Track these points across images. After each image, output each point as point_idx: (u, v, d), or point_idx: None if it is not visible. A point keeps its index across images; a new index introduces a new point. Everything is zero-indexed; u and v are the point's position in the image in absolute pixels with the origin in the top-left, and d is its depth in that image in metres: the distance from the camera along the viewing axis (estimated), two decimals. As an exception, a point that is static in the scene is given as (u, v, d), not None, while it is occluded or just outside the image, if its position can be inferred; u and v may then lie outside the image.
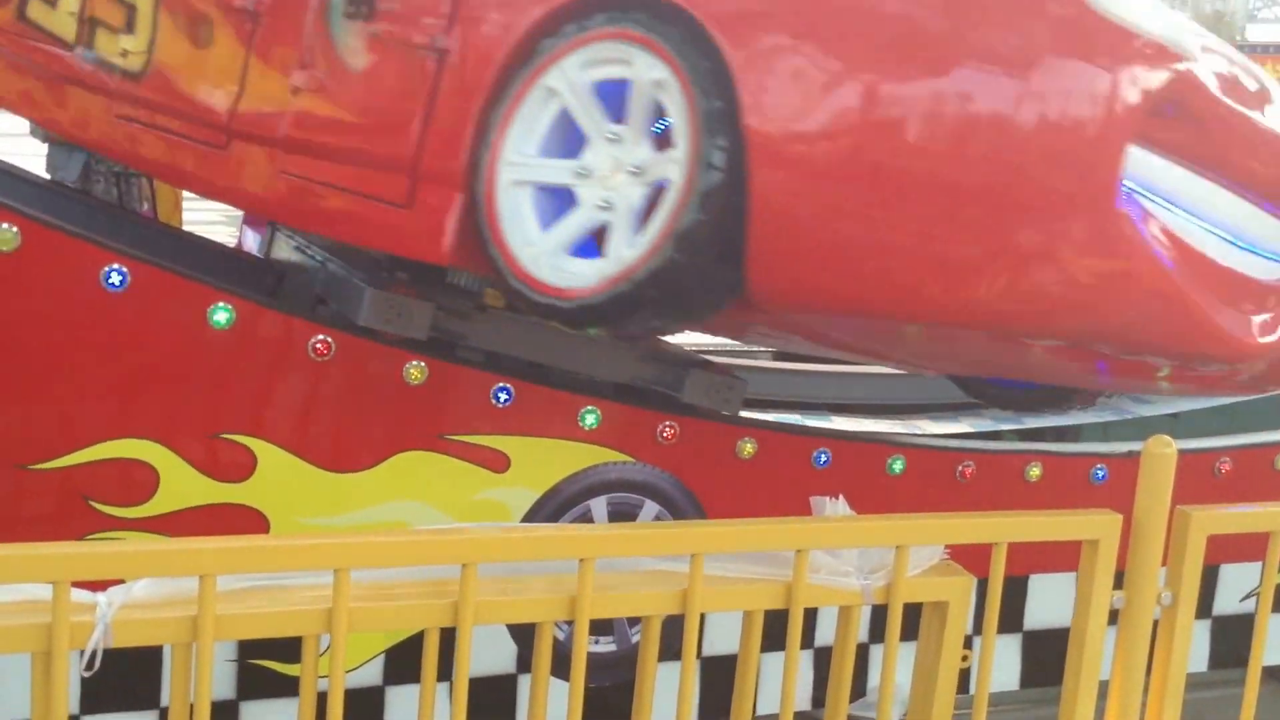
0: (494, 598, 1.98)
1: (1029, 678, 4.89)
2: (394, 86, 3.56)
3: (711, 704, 3.73)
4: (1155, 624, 2.52)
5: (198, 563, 1.78)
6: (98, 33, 4.30)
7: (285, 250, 4.65)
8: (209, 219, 12.55)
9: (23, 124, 5.25)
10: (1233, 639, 5.26)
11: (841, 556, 2.25)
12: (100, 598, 1.81)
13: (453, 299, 3.97)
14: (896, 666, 2.33)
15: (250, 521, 3.73)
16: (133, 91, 4.19)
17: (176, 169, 4.24)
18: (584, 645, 2.04)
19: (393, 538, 1.93)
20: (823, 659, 4.33)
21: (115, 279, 3.46)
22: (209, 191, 4.20)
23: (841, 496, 2.29)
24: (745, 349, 5.53)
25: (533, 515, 4.09)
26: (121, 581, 1.84)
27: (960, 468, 4.63)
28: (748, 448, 4.30)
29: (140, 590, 1.81)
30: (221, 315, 3.57)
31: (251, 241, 9.04)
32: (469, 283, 4.02)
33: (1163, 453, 2.43)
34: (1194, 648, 5.37)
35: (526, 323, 4.02)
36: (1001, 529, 2.35)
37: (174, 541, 1.83)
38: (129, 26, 4.20)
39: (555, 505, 4.12)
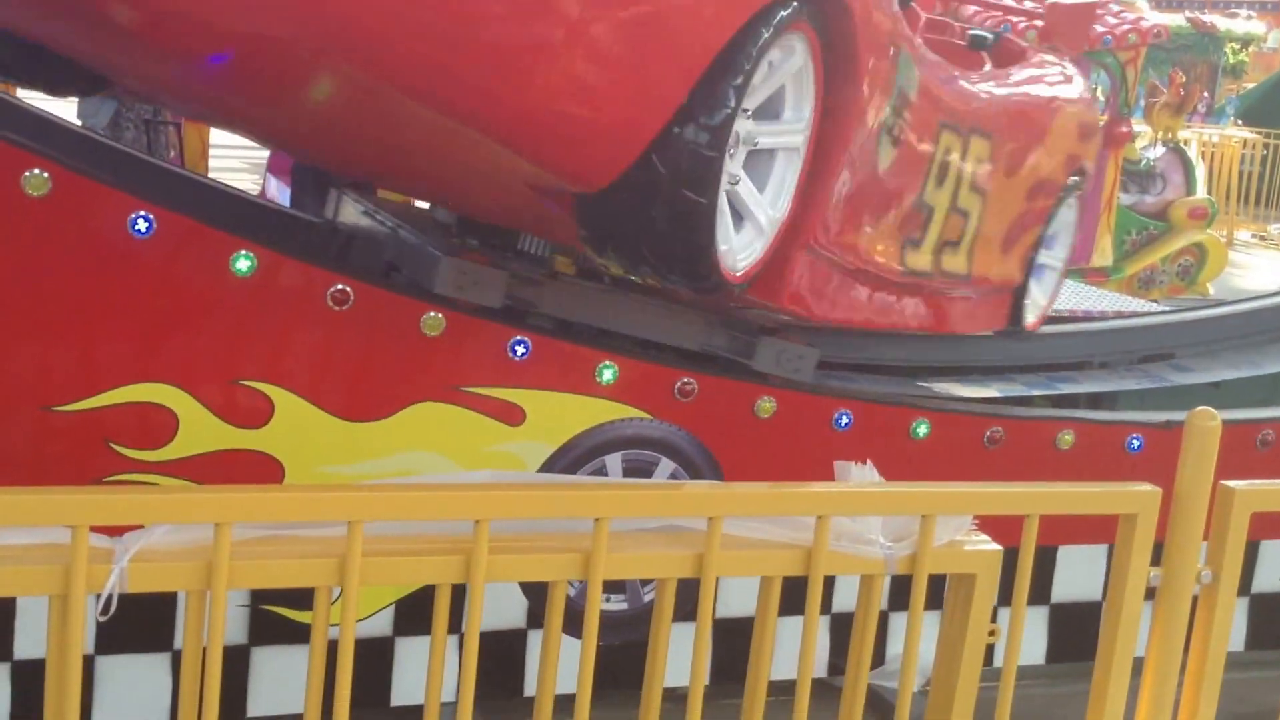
0: (506, 554, 1.91)
1: (1056, 653, 4.81)
2: None
3: (725, 667, 3.67)
4: (1193, 602, 2.43)
5: (214, 510, 1.76)
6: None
7: (353, 215, 4.58)
8: (233, 166, 12.50)
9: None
10: (1273, 618, 5.18)
11: (865, 523, 2.16)
12: (117, 543, 1.78)
13: (525, 266, 3.97)
14: (920, 639, 2.25)
15: (266, 468, 3.68)
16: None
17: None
18: (597, 605, 1.97)
19: (406, 491, 1.87)
20: (840, 625, 4.28)
21: (141, 225, 3.42)
22: None
23: (869, 462, 2.19)
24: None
25: (546, 469, 4.03)
26: (139, 527, 1.81)
27: (989, 433, 4.54)
28: (767, 406, 4.23)
29: (157, 537, 1.78)
30: (243, 263, 3.51)
31: (275, 189, 9.00)
32: (539, 249, 4.06)
33: (1206, 426, 2.33)
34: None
35: (597, 290, 4.09)
36: (1035, 501, 2.26)
37: (191, 489, 1.81)
38: None
39: (569, 460, 4.06)
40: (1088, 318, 6.95)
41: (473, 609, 1.89)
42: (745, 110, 3.09)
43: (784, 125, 3.36)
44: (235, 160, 13.25)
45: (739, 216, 3.31)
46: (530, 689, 3.57)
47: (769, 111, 3.30)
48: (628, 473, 4.14)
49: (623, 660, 3.09)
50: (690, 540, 2.07)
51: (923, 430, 4.46)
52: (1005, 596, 2.31)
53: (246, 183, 11.05)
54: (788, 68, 3.24)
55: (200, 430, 3.54)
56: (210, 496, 1.77)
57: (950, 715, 2.28)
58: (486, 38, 2.69)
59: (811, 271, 3.79)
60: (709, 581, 2.04)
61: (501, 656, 3.88)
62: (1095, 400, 5.48)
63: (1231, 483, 2.38)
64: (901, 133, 3.83)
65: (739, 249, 3.32)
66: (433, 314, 3.75)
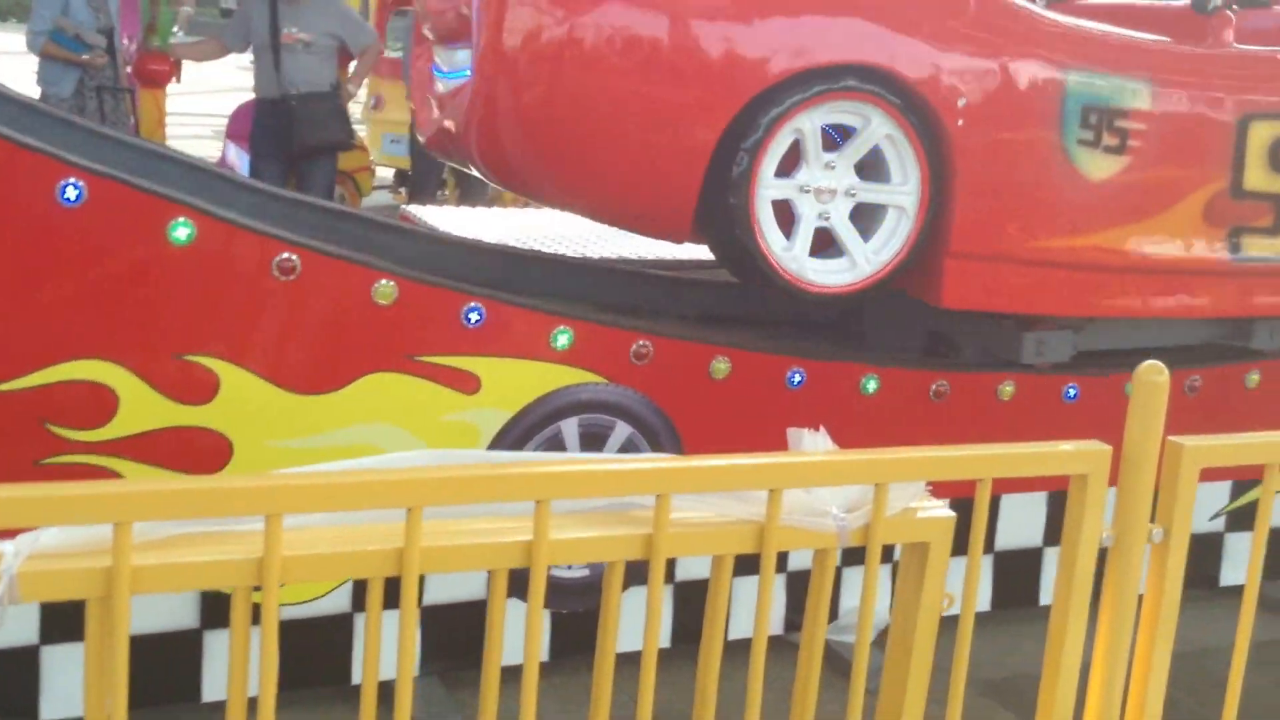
0: (442, 542, 1.74)
1: (1001, 599, 4.70)
2: None
3: (685, 628, 3.53)
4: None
5: (111, 509, 1.53)
6: None
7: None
8: (196, 133, 12.17)
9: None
10: (1199, 558, 5.07)
11: (817, 494, 2.00)
12: (6, 547, 1.56)
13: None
14: (875, 609, 2.10)
15: (213, 444, 3.50)
16: None
17: None
18: (540, 593, 1.81)
19: (326, 478, 1.67)
20: (796, 583, 4.16)
21: (71, 193, 3.20)
22: None
23: (822, 429, 2.04)
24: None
25: (503, 436, 3.87)
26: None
27: (934, 387, 4.41)
28: (721, 367, 4.08)
29: (49, 538, 1.57)
30: (182, 231, 3.30)
31: (233, 155, 8.76)
32: None
33: (1155, 380, 2.18)
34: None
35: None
36: (987, 464, 2.11)
37: (85, 486, 1.55)
38: None
39: (525, 426, 3.90)
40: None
41: (406, 601, 1.72)
42: (830, 166, 3.83)
43: (890, 187, 3.91)
44: (198, 126, 12.95)
45: (839, 249, 3.95)
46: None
47: (879, 174, 3.91)
48: (584, 438, 3.98)
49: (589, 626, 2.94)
50: (637, 519, 1.91)
51: (872, 386, 4.32)
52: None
53: (210, 149, 10.78)
54: (869, 134, 3.82)
55: (142, 408, 3.35)
56: (107, 492, 1.56)
57: (906, 685, 2.14)
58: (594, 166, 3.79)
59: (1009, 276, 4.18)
60: (659, 562, 1.88)
61: (467, 627, 3.72)
62: None
63: (1180, 438, 2.24)
64: (1123, 139, 4.15)
65: (826, 271, 3.94)
66: (385, 282, 3.56)
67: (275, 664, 1.69)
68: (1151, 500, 2.23)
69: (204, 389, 3.43)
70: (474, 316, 3.70)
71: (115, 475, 3.38)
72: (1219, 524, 5.14)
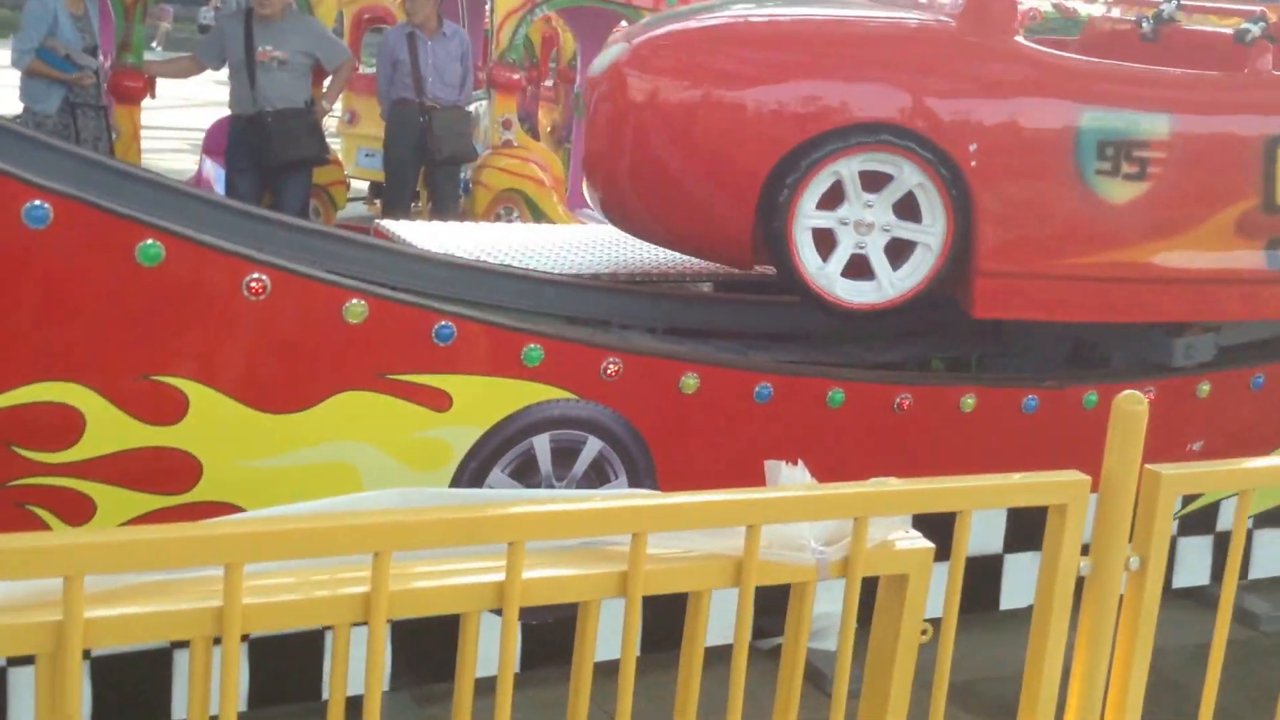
0: (412, 585, 1.61)
1: (963, 605, 4.58)
2: None
3: (656, 638, 3.40)
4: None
5: (61, 562, 1.39)
6: None
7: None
8: (173, 146, 11.93)
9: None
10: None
11: (796, 527, 1.89)
12: None
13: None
14: (853, 642, 1.99)
15: (182, 465, 3.36)
16: None
17: None
18: (514, 635, 1.68)
19: (289, 524, 1.53)
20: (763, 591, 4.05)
21: (37, 215, 3.05)
22: None
23: (801, 462, 1.92)
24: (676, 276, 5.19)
25: (475, 453, 3.75)
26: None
27: (898, 399, 4.32)
28: (691, 382, 3.97)
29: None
30: (150, 252, 3.16)
31: (210, 171, 8.58)
32: None
33: (1134, 410, 2.08)
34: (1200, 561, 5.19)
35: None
36: (967, 496, 2.00)
37: (33, 537, 1.41)
38: None
39: (498, 443, 3.78)
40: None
41: (373, 649, 1.59)
42: (869, 205, 4.21)
43: (921, 227, 4.24)
44: (175, 141, 12.74)
45: (871, 274, 4.29)
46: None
47: (913, 214, 4.25)
48: (556, 454, 3.87)
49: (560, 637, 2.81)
50: (613, 555, 1.79)
51: (839, 398, 4.22)
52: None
53: (187, 163, 10.58)
54: (901, 182, 4.19)
55: (109, 429, 3.20)
56: (56, 544, 1.41)
57: (884, 716, 2.02)
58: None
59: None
60: (635, 600, 1.76)
61: (434, 644, 3.59)
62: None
63: (1158, 466, 2.13)
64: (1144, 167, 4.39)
65: (855, 290, 4.28)
66: (355, 301, 3.43)
67: (236, 709, 1.56)
68: (1129, 528, 2.12)
69: (173, 409, 3.29)
70: (445, 334, 3.57)
71: (83, 497, 3.25)
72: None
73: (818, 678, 3.63)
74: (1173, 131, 4.38)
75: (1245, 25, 4.63)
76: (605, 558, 1.79)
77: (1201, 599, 5.03)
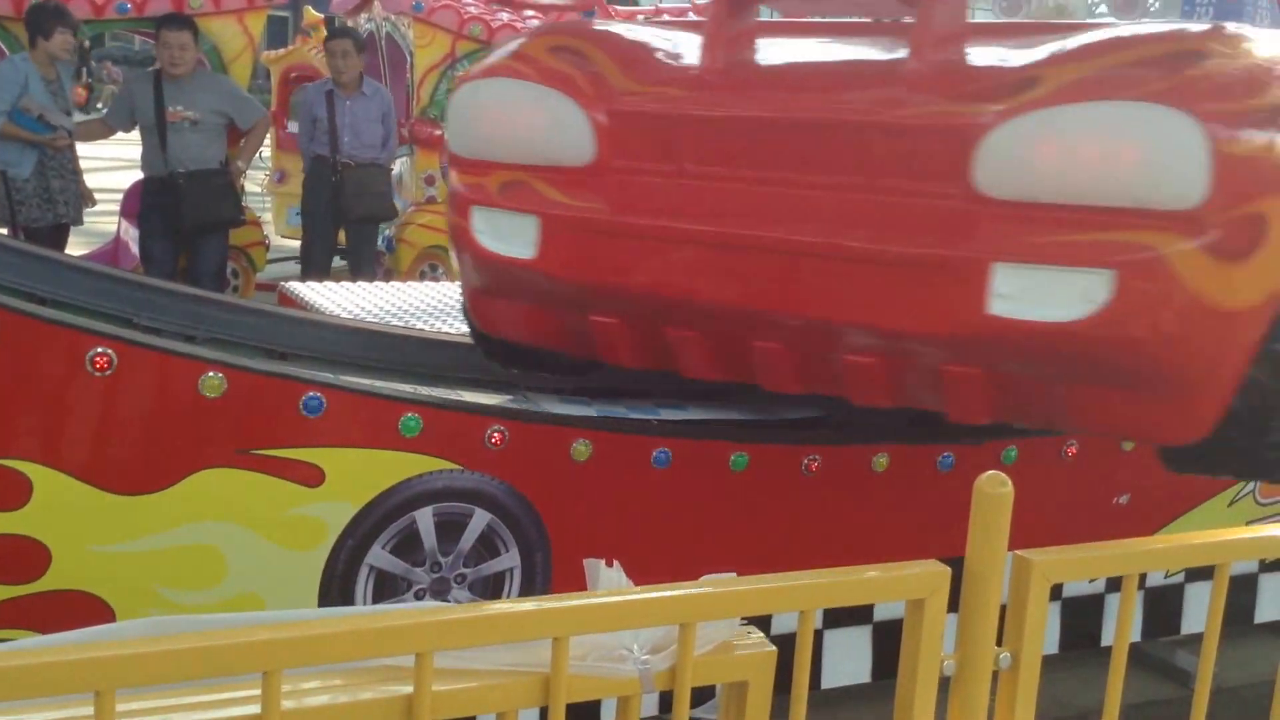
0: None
1: (880, 669, 4.38)
2: None
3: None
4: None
5: (93, 675, 1.31)
6: None
7: None
8: (101, 209, 11.54)
9: None
10: (1082, 619, 4.81)
11: (616, 635, 1.67)
12: None
13: None
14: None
15: (30, 552, 3.10)
16: None
17: None
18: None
19: (177, 644, 1.33)
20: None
21: None
22: None
23: (617, 564, 1.70)
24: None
25: (352, 530, 3.50)
26: None
27: (805, 461, 4.10)
28: (582, 449, 3.74)
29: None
30: (-21, 328, 2.93)
31: (128, 234, 8.31)
32: None
33: (997, 492, 1.87)
34: (1047, 631, 4.96)
35: None
36: (809, 594, 1.78)
37: (64, 651, 1.23)
38: None
39: (376, 518, 3.53)
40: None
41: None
42: None
43: None
44: (106, 202, 12.40)
45: None
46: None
47: None
48: (440, 527, 3.62)
49: None
50: (399, 676, 1.56)
51: (742, 461, 4.00)
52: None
53: (108, 226, 10.27)
54: None
55: None
56: (88, 658, 1.29)
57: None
58: None
59: None
60: (422, 728, 1.53)
61: None
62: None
63: (1029, 552, 1.92)
64: None
65: None
66: (211, 374, 3.20)
67: None
68: (997, 622, 1.91)
69: (15, 494, 3.04)
70: (313, 405, 3.34)
71: (-84, 591, 2.99)
72: (1100, 585, 4.87)
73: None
74: None
75: None
76: (391, 677, 1.56)
77: (1132, 655, 4.84)
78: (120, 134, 7.72)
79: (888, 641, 4.34)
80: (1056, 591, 4.68)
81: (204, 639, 1.42)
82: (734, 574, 1.80)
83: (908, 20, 3.55)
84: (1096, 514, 4.62)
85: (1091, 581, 4.79)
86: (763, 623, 1.89)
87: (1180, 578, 5.08)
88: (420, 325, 4.99)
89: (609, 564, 1.72)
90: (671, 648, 1.70)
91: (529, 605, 1.59)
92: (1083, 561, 1.97)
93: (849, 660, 4.32)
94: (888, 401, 3.28)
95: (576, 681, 1.64)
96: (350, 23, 9.51)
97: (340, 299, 5.52)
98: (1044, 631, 1.94)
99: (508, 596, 3.65)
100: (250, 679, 1.44)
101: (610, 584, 1.69)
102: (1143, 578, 4.92)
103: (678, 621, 1.68)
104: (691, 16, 9.54)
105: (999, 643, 1.93)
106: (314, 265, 7.72)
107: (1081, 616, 4.83)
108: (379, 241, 8.26)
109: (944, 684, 1.92)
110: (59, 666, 1.34)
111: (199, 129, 7.09)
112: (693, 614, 1.68)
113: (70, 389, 3.06)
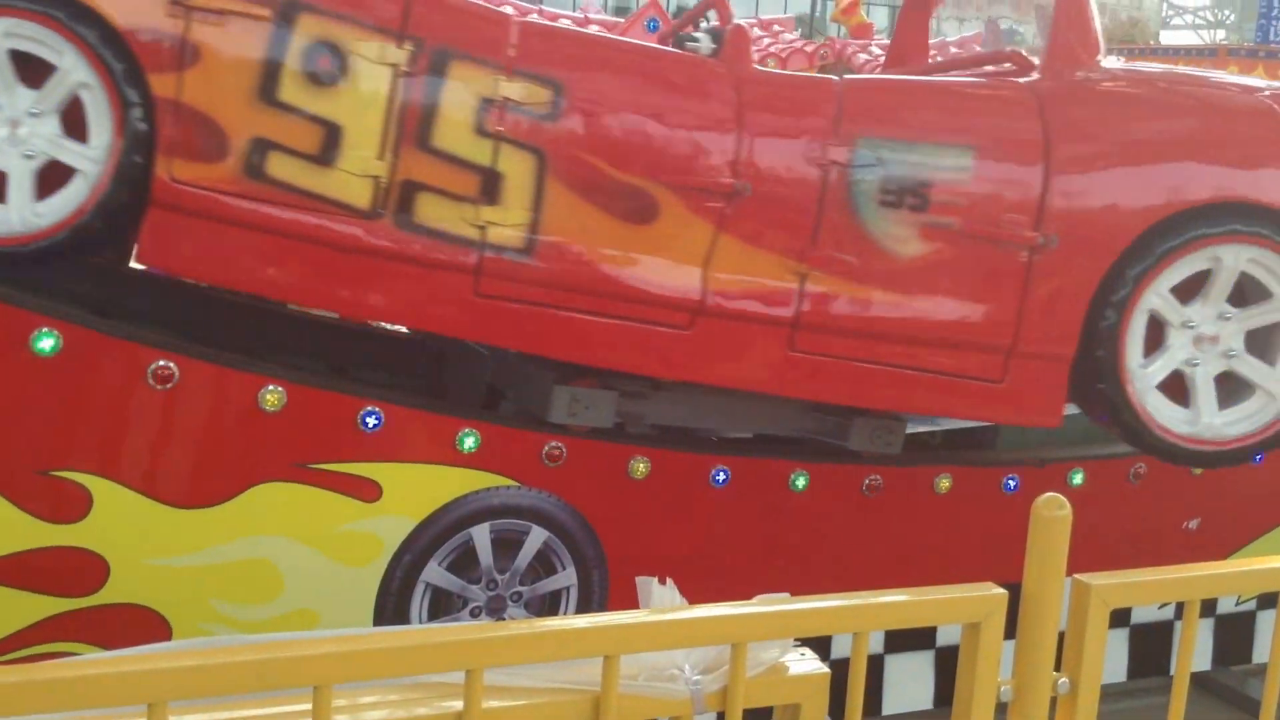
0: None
1: (942, 695, 4.34)
2: (971, 275, 3.54)
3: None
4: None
5: (146, 687, 1.36)
6: (421, 200, 3.26)
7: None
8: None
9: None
10: (1151, 647, 4.76)
11: (667, 654, 1.68)
12: None
13: (629, 383, 3.73)
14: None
15: (88, 565, 3.16)
16: (507, 268, 3.31)
17: (585, 347, 3.49)
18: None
19: (230, 656, 1.37)
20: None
21: None
22: (650, 368, 3.60)
23: (670, 582, 1.71)
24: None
25: (409, 546, 3.53)
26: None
27: (868, 481, 4.09)
28: (640, 467, 3.76)
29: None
30: (46, 342, 2.99)
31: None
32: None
33: (1055, 515, 1.86)
34: (1112, 658, 4.89)
35: (701, 394, 3.82)
36: (864, 616, 1.78)
37: (115, 663, 1.30)
38: (490, 195, 3.28)
39: (433, 534, 3.56)
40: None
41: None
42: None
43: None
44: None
45: None
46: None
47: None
48: (497, 544, 3.65)
49: None
50: (450, 693, 1.58)
51: (801, 482, 3.99)
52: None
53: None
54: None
55: (6, 528, 3.01)
56: (140, 670, 1.35)
57: None
58: None
59: None
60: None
61: None
62: (978, 438, 5.00)
63: (1087, 576, 1.91)
64: None
65: None
66: (271, 388, 3.24)
67: None
68: (1056, 647, 1.90)
69: (75, 507, 3.10)
70: (372, 421, 3.38)
71: (-20, 600, 3.06)
72: (1169, 612, 4.81)
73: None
74: None
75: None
76: (441, 694, 1.58)
77: (1202, 683, 4.78)
78: None
79: (950, 667, 4.30)
80: (1123, 618, 4.66)
81: (256, 652, 1.45)
82: (787, 594, 1.80)
83: None
84: (1165, 539, 4.57)
85: (1160, 608, 4.74)
86: (822, 645, 1.89)
87: (1252, 605, 5.01)
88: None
89: (662, 582, 1.72)
90: (723, 668, 1.71)
91: (579, 623, 1.61)
92: (1142, 586, 1.96)
93: (910, 685, 4.30)
94: None
95: (627, 701, 1.65)
96: None
97: None
98: (1103, 657, 1.92)
99: (564, 614, 3.67)
100: (302, 693, 1.46)
101: (663, 602, 1.70)
102: (1212, 604, 4.86)
103: (729, 641, 1.68)
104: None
105: (1057, 668, 1.92)
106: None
107: (1149, 644, 4.77)
108: None
109: (1001, 709, 1.91)
110: (114, 678, 1.37)
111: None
112: (745, 634, 1.69)
113: (131, 401, 3.12)
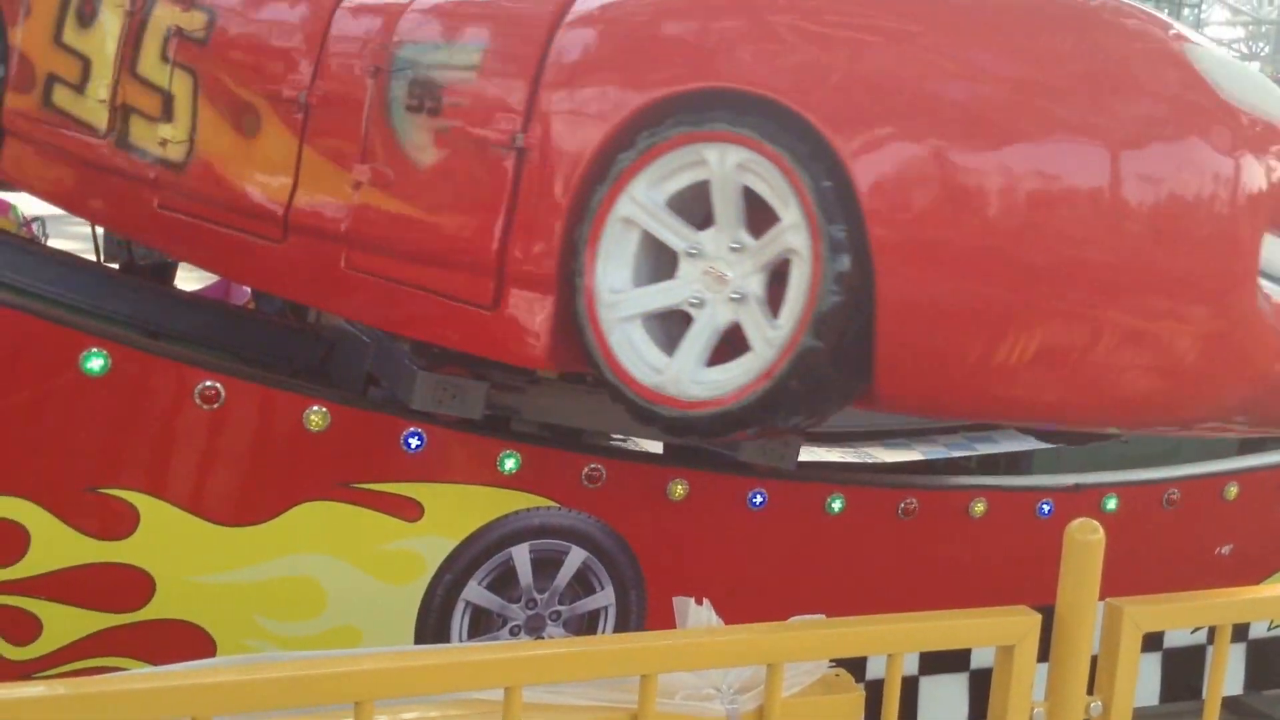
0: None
1: (976, 717, 4.34)
2: (469, 184, 3.09)
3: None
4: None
5: (188, 701, 1.38)
6: (132, 121, 3.83)
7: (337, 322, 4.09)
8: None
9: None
10: (1183, 671, 4.73)
11: (704, 673, 1.70)
12: None
13: (506, 374, 3.50)
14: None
15: (134, 582, 3.21)
16: (174, 182, 3.71)
17: (224, 260, 3.77)
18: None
19: (254, 674, 1.40)
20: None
21: None
22: (261, 284, 3.83)
23: (707, 602, 1.74)
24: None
25: (450, 565, 3.57)
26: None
27: (903, 504, 4.10)
28: (679, 489, 3.78)
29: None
30: (95, 362, 3.05)
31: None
32: None
33: (1088, 539, 1.87)
34: (1145, 682, 4.88)
35: (581, 392, 3.66)
36: (898, 637, 1.80)
37: (159, 678, 1.34)
38: (167, 115, 3.72)
39: (473, 554, 3.60)
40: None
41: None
42: None
43: None
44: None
45: None
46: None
47: None
48: (536, 564, 3.68)
49: None
50: (487, 710, 1.61)
51: (837, 505, 4.01)
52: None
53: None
54: None
55: (55, 545, 3.07)
56: (183, 684, 1.38)
57: None
58: None
59: None
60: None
61: None
62: (1014, 462, 5.00)
63: (1120, 600, 1.92)
64: None
65: None
66: (316, 408, 3.29)
67: None
68: (1089, 670, 1.91)
69: (122, 524, 3.15)
70: (414, 442, 3.42)
71: (29, 616, 3.12)
72: (1201, 636, 4.78)
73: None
74: None
75: None
76: (482, 712, 1.61)
77: (1234, 708, 4.75)
78: None
79: (984, 689, 4.30)
80: (1156, 642, 4.64)
81: (298, 669, 1.48)
82: (823, 616, 1.82)
83: None
84: (1198, 564, 4.55)
85: (1193, 632, 4.71)
86: (858, 667, 1.91)
87: None
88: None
89: (699, 602, 1.75)
90: (759, 688, 1.73)
91: (617, 642, 1.63)
92: (1174, 610, 1.97)
93: (945, 708, 4.29)
94: None
95: (664, 719, 1.67)
96: None
97: None
98: (1135, 680, 1.93)
99: (602, 634, 3.69)
100: (344, 709, 1.50)
101: (700, 622, 1.72)
102: (1244, 629, 4.83)
103: (765, 662, 1.70)
104: None
105: (1090, 691, 1.93)
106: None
107: (1182, 667, 4.74)
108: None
109: (1034, 732, 1.92)
110: (159, 693, 1.41)
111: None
112: (780, 654, 1.71)
113: (178, 421, 3.17)
